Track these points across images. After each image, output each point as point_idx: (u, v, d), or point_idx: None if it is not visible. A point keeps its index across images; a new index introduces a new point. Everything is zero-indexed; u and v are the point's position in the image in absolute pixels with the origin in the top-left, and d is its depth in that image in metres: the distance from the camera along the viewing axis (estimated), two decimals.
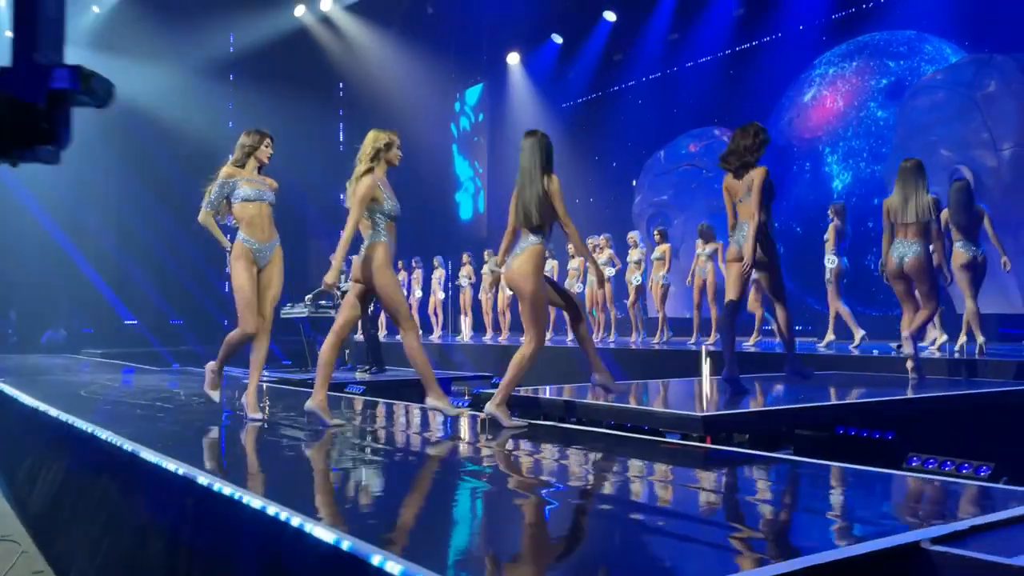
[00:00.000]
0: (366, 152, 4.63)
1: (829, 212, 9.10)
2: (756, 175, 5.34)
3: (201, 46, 15.78)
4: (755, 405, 5.10)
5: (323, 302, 10.39)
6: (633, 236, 11.35)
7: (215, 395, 5.37)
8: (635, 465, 3.59)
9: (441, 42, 16.81)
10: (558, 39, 16.39)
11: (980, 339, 7.17)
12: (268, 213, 5.01)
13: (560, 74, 16.60)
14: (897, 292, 6.22)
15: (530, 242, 4.55)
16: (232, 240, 5.02)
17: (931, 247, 6.14)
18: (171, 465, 3.36)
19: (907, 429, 4.63)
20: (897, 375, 6.50)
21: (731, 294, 5.61)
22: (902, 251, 6.04)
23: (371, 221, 4.62)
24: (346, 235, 4.55)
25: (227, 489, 2.89)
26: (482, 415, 4.80)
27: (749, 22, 13.46)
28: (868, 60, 12.30)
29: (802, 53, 13.06)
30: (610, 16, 15.19)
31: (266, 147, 5.06)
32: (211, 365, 5.34)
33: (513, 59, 17.14)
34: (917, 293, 6.16)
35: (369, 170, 4.59)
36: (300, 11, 16.62)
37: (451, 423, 4.74)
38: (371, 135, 4.71)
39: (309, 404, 4.68)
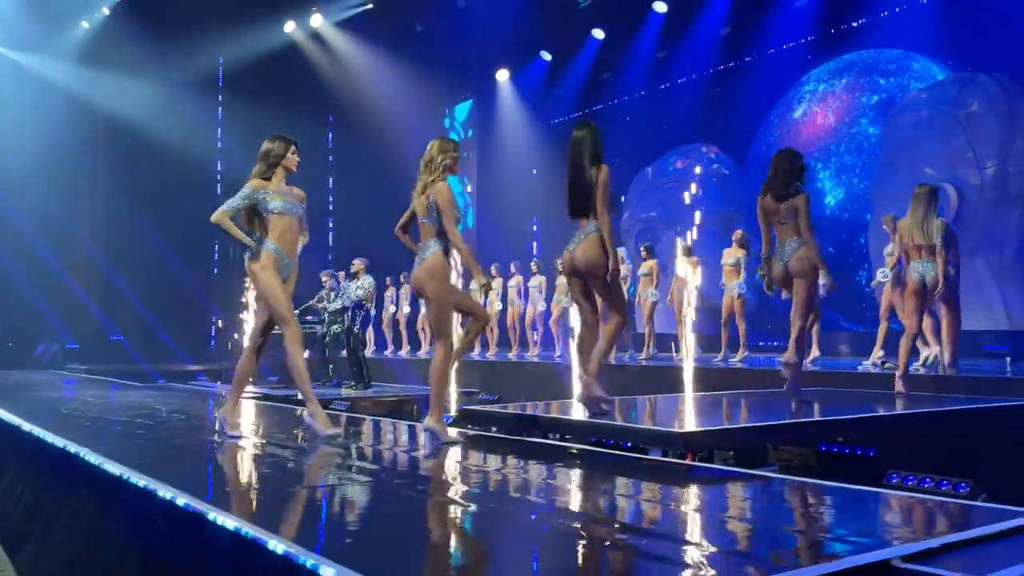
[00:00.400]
0: (436, 161, 4.57)
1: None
2: (802, 200, 5.49)
3: (191, 61, 15.79)
4: (737, 422, 5.10)
5: (309, 318, 10.37)
6: (619, 252, 11.35)
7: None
8: (612, 482, 3.58)
9: (430, 59, 16.86)
10: (547, 56, 16.47)
11: (927, 351, 7.43)
12: (297, 228, 4.79)
13: (549, 91, 16.67)
14: (912, 308, 6.59)
15: (591, 229, 4.75)
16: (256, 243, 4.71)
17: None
18: (145, 483, 3.32)
19: (889, 445, 4.64)
20: (878, 391, 6.52)
21: (806, 318, 5.65)
22: (923, 270, 6.48)
23: (436, 229, 4.54)
24: (462, 244, 4.50)
25: (201, 508, 2.87)
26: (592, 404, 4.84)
27: (735, 41, 13.56)
28: (858, 77, 12.39)
29: (788, 71, 13.17)
30: (598, 34, 15.29)
31: (292, 155, 4.84)
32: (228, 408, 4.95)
33: (502, 76, 17.22)
34: (941, 307, 6.63)
35: (440, 179, 4.55)
36: (290, 27, 16.67)
37: (436, 441, 4.71)
38: (438, 144, 4.65)
39: (428, 422, 4.64)
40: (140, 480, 3.38)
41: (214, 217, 4.69)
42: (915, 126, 11.24)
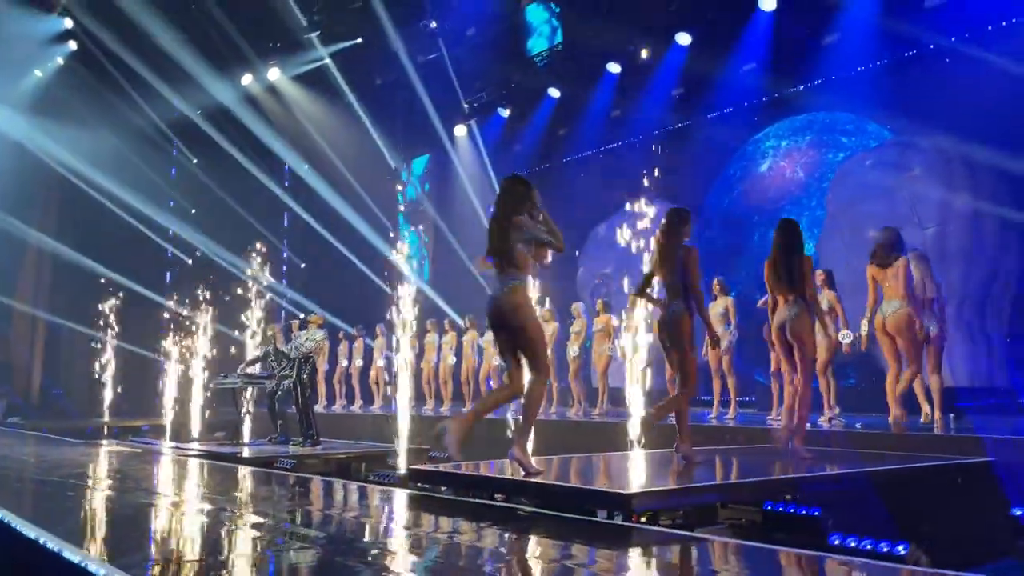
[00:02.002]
0: (681, 231, 5.47)
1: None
2: (902, 264, 6.72)
3: (144, 112, 15.71)
4: (682, 482, 5.07)
5: (255, 371, 10.19)
6: (576, 307, 11.40)
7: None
8: (550, 546, 3.52)
9: (388, 113, 16.99)
10: (504, 112, 16.70)
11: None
12: None
13: (506, 146, 16.86)
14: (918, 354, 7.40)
15: (801, 305, 5.83)
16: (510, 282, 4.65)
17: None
18: (72, 556, 3.18)
19: (833, 505, 4.66)
20: (824, 448, 6.56)
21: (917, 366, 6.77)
22: (929, 320, 7.37)
23: (680, 289, 5.26)
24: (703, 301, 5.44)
25: None
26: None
27: (686, 101, 13.90)
28: (820, 135, 12.62)
29: (738, 131, 13.50)
30: (554, 92, 15.57)
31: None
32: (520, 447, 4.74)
33: (460, 131, 17.39)
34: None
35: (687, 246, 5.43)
36: (247, 80, 16.68)
37: (384, 504, 4.60)
38: (678, 215, 5.47)
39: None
40: (63, 550, 3.23)
41: (561, 245, 4.79)
42: (858, 187, 11.55)
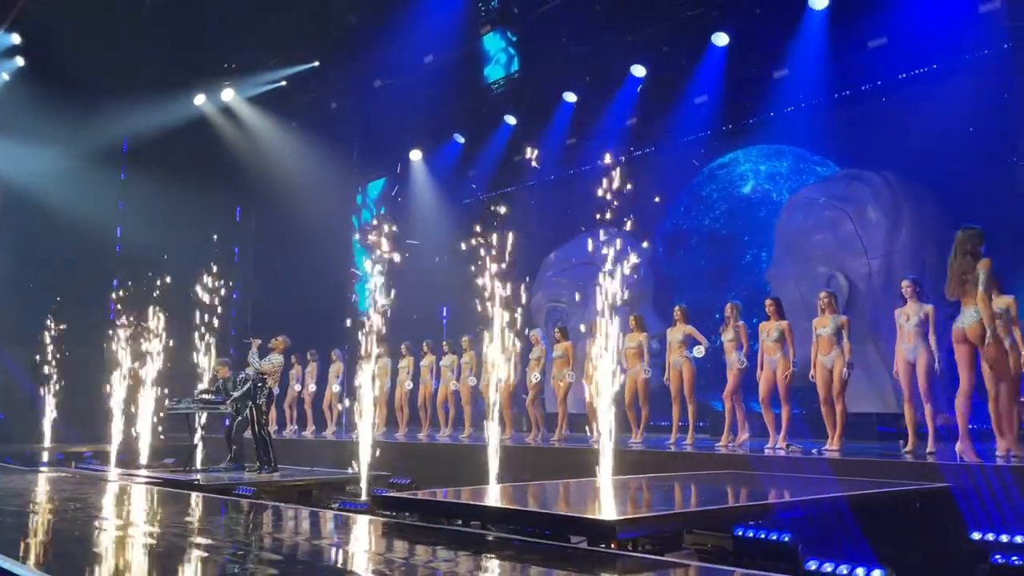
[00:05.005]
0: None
1: (729, 311, 9.25)
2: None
3: (93, 130, 15.32)
4: (655, 508, 5.14)
5: (209, 396, 9.98)
6: (535, 334, 11.45)
7: None
8: (528, 573, 3.53)
9: (344, 136, 16.91)
10: (460, 139, 16.76)
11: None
12: None
13: (462, 172, 16.90)
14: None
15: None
16: None
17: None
18: None
19: (802, 530, 4.76)
20: (788, 475, 6.70)
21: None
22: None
23: None
24: None
25: None
26: None
27: (640, 131, 14.14)
28: (797, 162, 12.81)
29: (690, 160, 13.78)
30: (511, 120, 15.69)
31: None
32: None
33: (416, 155, 17.39)
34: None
35: None
36: (200, 100, 16.46)
37: (356, 532, 4.55)
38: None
39: None
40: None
41: None
42: (807, 219, 11.90)
